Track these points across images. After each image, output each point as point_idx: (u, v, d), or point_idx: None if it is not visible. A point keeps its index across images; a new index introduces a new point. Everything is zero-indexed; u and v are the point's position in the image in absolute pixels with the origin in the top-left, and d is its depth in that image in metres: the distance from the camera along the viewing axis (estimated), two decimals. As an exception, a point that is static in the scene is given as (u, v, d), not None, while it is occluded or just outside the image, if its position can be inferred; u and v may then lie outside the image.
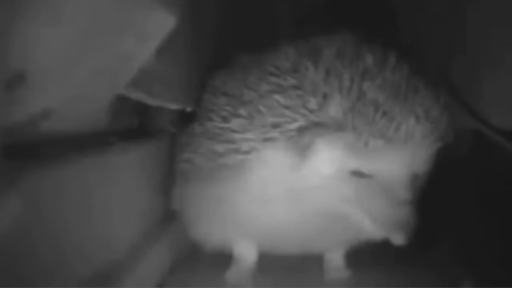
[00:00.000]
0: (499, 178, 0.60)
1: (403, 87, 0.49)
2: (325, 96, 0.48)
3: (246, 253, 0.59)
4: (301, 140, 0.49)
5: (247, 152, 0.51)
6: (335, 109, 0.48)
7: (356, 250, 0.59)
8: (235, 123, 0.52)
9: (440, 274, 0.56)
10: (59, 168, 0.40)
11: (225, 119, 0.53)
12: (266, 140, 0.50)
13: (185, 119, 0.60)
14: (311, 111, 0.48)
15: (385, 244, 0.56)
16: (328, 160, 0.49)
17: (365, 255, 0.57)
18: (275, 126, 0.50)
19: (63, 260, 0.39)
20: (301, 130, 0.48)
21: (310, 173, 0.50)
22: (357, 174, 0.49)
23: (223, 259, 0.59)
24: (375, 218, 0.49)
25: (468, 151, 0.64)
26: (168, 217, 0.61)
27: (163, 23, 0.44)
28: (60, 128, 0.41)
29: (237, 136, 0.51)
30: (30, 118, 0.37)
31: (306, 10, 0.79)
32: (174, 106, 0.58)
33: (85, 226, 0.43)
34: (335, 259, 0.60)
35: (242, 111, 0.52)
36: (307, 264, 0.59)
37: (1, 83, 0.33)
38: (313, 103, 0.48)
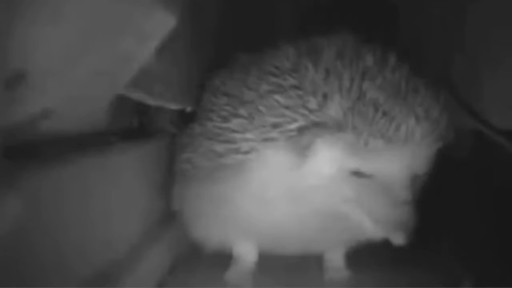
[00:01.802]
0: (499, 178, 0.60)
1: (403, 87, 0.49)
2: (325, 96, 0.48)
3: (246, 253, 0.59)
4: (301, 140, 0.49)
5: (247, 152, 0.51)
6: (335, 109, 0.48)
7: (356, 250, 0.59)
8: (235, 123, 0.52)
9: (440, 274, 0.56)
10: (59, 168, 0.40)
11: (225, 119, 0.53)
12: (266, 140, 0.50)
13: (185, 119, 0.60)
14: (311, 111, 0.48)
15: (385, 244, 0.56)
16: (328, 160, 0.49)
17: (365, 255, 0.57)
18: (275, 126, 0.50)
19: (63, 260, 0.39)
20: (301, 130, 0.49)
21: (310, 172, 0.50)
22: (357, 174, 0.49)
23: (223, 259, 0.59)
24: (375, 218, 0.49)
25: (468, 151, 0.63)
26: (168, 217, 0.61)
27: (163, 23, 0.44)
28: (60, 128, 0.41)
29: (237, 136, 0.51)
30: (30, 118, 0.37)
31: (306, 10, 0.79)
32: (174, 106, 0.58)
33: (85, 226, 0.43)
34: (335, 259, 0.60)
35: (242, 111, 0.52)
36: (307, 264, 0.59)
37: (1, 83, 0.33)
38: (313, 103, 0.48)
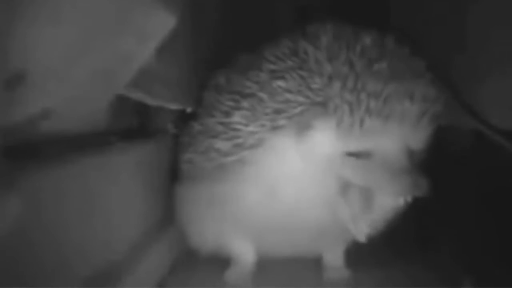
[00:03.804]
0: (499, 178, 0.60)
1: (400, 68, 0.49)
2: (330, 77, 0.48)
3: (245, 254, 0.59)
4: (301, 119, 0.49)
5: (253, 146, 0.51)
6: (335, 90, 0.48)
7: (356, 249, 0.59)
8: (237, 116, 0.52)
9: (440, 274, 0.56)
10: (59, 168, 0.40)
11: (227, 114, 0.53)
12: (275, 128, 0.50)
13: (186, 119, 0.60)
14: (313, 90, 0.48)
15: (385, 244, 0.56)
16: (327, 139, 0.49)
17: (365, 255, 0.57)
18: (279, 112, 0.49)
19: (63, 260, 0.39)
20: (302, 112, 0.49)
21: (308, 152, 0.50)
22: (355, 155, 0.49)
23: (223, 259, 0.59)
24: (380, 189, 0.49)
25: (468, 151, 0.63)
26: (168, 217, 0.61)
27: (163, 23, 0.44)
28: (60, 128, 0.41)
29: (241, 128, 0.51)
30: (30, 118, 0.37)
31: (306, 9, 0.79)
32: (174, 106, 0.58)
33: (85, 226, 0.43)
34: (334, 259, 0.60)
35: (244, 104, 0.52)
36: (307, 264, 0.59)
37: (1, 83, 0.33)
38: (317, 82, 0.48)
